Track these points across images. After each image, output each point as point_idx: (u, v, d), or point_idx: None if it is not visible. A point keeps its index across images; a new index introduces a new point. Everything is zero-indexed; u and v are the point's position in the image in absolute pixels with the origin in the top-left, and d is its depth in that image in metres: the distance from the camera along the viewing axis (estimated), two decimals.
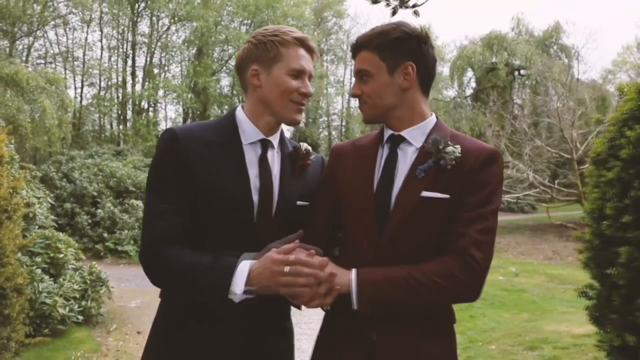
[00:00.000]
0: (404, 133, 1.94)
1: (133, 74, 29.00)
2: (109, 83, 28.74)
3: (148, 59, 29.19)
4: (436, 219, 1.82)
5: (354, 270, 1.80)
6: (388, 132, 1.99)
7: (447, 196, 1.81)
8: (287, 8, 31.08)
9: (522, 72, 23.42)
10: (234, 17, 31.11)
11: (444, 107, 23.07)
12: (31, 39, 26.50)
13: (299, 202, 2.04)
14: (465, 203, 1.81)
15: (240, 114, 2.05)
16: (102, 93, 28.72)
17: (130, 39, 28.82)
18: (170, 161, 1.90)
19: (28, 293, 4.26)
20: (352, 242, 1.95)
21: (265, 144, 2.03)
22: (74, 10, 26.89)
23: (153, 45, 28.87)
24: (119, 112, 29.09)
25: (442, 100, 23.95)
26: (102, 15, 28.25)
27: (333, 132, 37.39)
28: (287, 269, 1.70)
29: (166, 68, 30.77)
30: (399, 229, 1.82)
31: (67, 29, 27.88)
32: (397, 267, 1.79)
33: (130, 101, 28.68)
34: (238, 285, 1.72)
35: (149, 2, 28.20)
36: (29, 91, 15.54)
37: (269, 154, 2.04)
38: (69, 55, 27.89)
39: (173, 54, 30.44)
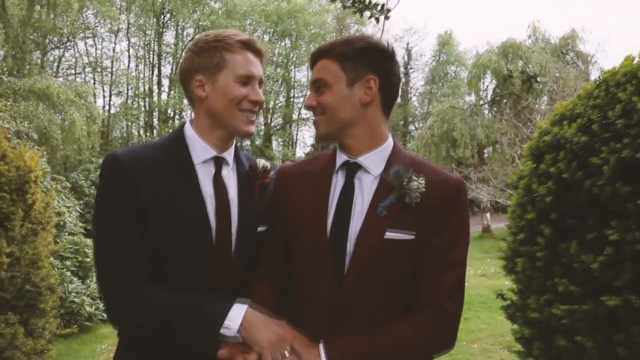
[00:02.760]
0: (361, 160, 1.75)
1: (159, 83, 30.02)
2: (136, 92, 29.75)
3: (173, 68, 30.10)
4: (401, 260, 1.68)
5: (322, 353, 1.58)
6: (342, 158, 1.80)
7: (412, 236, 1.66)
8: (308, 17, 31.56)
9: (538, 79, 23.56)
10: (257, 26, 31.84)
11: (460, 114, 23.31)
12: (61, 50, 27.68)
13: (260, 228, 1.90)
14: (433, 244, 1.67)
15: (188, 130, 1.87)
16: (130, 102, 29.79)
17: (156, 49, 29.82)
18: (115, 189, 1.73)
19: (59, 292, 4.99)
20: (307, 285, 1.76)
21: (218, 162, 1.87)
22: (102, 21, 27.99)
23: (178, 55, 29.79)
24: (146, 120, 30.08)
25: (459, 108, 24.21)
26: (130, 26, 29.34)
27: None
28: (287, 353, 1.59)
29: None
30: (360, 274, 1.66)
31: (96, 40, 29.05)
32: (366, 337, 1.61)
33: (157, 109, 29.64)
34: (235, 320, 1.60)
35: (173, 13, 29.16)
36: (60, 104, 16.56)
37: (224, 172, 1.88)
38: (98, 66, 28.99)
39: None
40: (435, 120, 23.70)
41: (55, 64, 27.56)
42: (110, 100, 29.74)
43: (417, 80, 40.42)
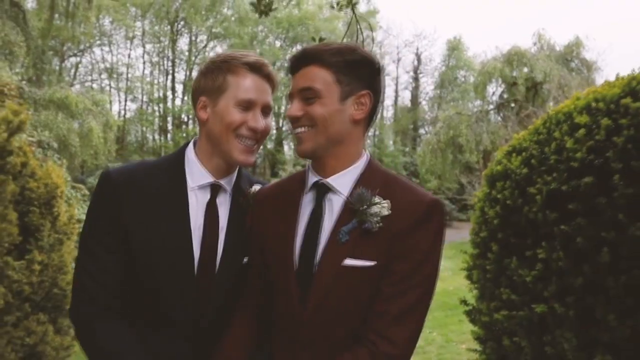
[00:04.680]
0: (331, 180, 1.64)
1: (173, 89, 30.75)
2: (151, 97, 30.48)
3: (187, 74, 30.81)
4: (362, 287, 1.56)
5: None
6: (312, 178, 1.68)
7: (372, 263, 1.54)
8: (319, 23, 31.94)
9: (544, 86, 23.84)
10: (269, 33, 32.38)
11: (466, 120, 23.68)
12: (79, 57, 28.49)
13: (245, 259, 1.81)
14: (391, 271, 1.55)
15: (190, 152, 1.80)
16: (144, 107, 30.55)
17: (170, 55, 30.54)
18: (101, 210, 1.70)
19: None
20: (278, 315, 1.68)
21: (215, 189, 1.77)
22: (117, 28, 28.78)
23: (192, 61, 30.48)
24: (160, 124, 30.78)
25: (465, 114, 24.59)
26: (144, 33, 30.10)
27: (367, 140, 38.25)
28: None
29: None
30: (322, 302, 1.57)
31: (112, 47, 29.89)
32: None
33: (171, 114, 30.35)
34: None
35: (187, 21, 29.84)
36: (78, 113, 17.31)
37: (220, 199, 1.78)
38: (114, 72, 29.79)
39: None
40: (441, 126, 24.11)
41: (73, 70, 28.41)
42: (125, 105, 30.61)
43: (427, 85, 40.83)
